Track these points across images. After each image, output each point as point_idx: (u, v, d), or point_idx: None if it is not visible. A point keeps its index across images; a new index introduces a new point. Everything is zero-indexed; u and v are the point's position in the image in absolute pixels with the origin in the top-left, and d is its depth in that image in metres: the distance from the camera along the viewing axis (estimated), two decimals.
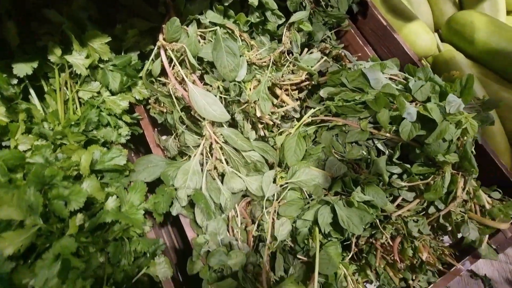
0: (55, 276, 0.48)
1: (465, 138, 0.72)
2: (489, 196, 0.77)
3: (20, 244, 0.44)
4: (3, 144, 0.61)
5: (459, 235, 0.75)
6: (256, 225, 0.74)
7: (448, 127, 0.70)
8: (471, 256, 0.75)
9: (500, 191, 0.77)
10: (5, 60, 0.60)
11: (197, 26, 0.71)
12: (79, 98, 0.68)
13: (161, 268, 0.61)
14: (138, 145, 0.85)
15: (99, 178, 0.61)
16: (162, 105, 0.76)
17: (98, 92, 0.69)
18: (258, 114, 0.72)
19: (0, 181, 0.50)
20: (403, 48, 0.98)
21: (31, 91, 0.65)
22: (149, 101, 0.78)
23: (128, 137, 0.73)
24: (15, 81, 0.61)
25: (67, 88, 0.67)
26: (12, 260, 0.47)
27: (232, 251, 0.65)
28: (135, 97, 0.74)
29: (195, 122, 0.75)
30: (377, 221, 0.71)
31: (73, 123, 0.64)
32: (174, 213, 0.66)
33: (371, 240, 0.72)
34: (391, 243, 0.69)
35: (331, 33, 0.99)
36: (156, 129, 0.80)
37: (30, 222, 0.47)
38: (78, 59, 0.62)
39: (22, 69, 0.59)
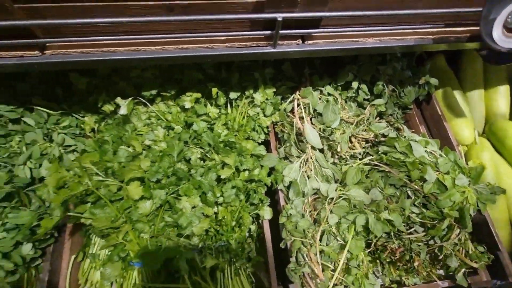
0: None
1: (466, 204, 1.13)
2: (475, 248, 1.15)
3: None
4: (210, 126, 1.24)
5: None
6: (316, 212, 1.24)
7: (455, 193, 1.12)
8: (450, 280, 1.13)
9: (485, 247, 1.14)
10: (224, 88, 1.23)
11: (319, 92, 1.27)
12: (248, 113, 1.29)
13: (266, 211, 1.16)
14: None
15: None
16: (284, 127, 1.33)
17: (258, 113, 1.28)
18: (338, 149, 1.24)
19: (217, 144, 1.11)
20: (448, 134, 1.40)
21: (228, 105, 1.27)
22: (277, 123, 1.35)
23: (263, 140, 1.31)
24: (224, 100, 1.24)
25: (243, 106, 1.28)
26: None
27: (303, 218, 1.16)
28: (272, 120, 1.31)
29: (299, 143, 1.30)
30: (392, 234, 1.15)
31: (242, 125, 1.24)
32: (278, 187, 1.21)
33: (385, 244, 1.16)
34: (396, 248, 1.12)
35: (399, 111, 1.46)
36: (276, 140, 1.37)
37: None
38: (258, 96, 1.22)
39: (233, 95, 1.21)
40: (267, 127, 1.33)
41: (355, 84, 1.29)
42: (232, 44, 0.91)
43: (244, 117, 1.28)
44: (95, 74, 1.15)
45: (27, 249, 0.95)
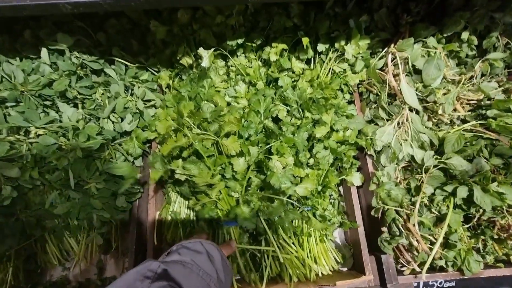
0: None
1: None
2: None
3: None
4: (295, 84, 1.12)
5: None
6: (406, 181, 1.12)
7: None
8: None
9: None
10: (310, 39, 1.09)
11: (421, 44, 1.09)
12: (333, 69, 1.15)
13: (356, 177, 1.06)
14: None
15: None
16: (372, 87, 1.18)
17: (344, 70, 1.14)
18: (440, 112, 1.08)
19: (305, 101, 1.00)
20: None
21: (312, 60, 1.14)
22: (363, 82, 1.20)
23: (347, 100, 1.18)
24: (312, 53, 1.11)
25: (328, 62, 1.14)
26: None
27: (397, 186, 1.05)
28: (359, 78, 1.17)
29: (389, 103, 1.16)
30: (504, 208, 1.01)
31: (327, 82, 1.12)
32: (369, 152, 1.10)
33: (492, 219, 1.03)
34: (510, 224, 0.99)
35: (505, 71, 1.24)
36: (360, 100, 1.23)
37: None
38: (350, 49, 1.08)
39: (321, 47, 1.07)
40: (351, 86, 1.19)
41: (465, 35, 1.09)
42: None
43: (328, 73, 1.15)
44: (174, 23, 1.06)
45: (121, 201, 0.95)
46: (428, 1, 1.15)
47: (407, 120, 1.10)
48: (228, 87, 1.12)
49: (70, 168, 0.84)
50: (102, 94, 1.04)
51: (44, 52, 0.95)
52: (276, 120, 1.08)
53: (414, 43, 1.10)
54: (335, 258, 1.10)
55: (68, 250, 1.07)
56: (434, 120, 1.14)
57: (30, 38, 1.00)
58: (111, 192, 0.92)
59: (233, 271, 1.01)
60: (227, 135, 0.87)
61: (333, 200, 1.17)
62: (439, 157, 1.11)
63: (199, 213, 0.96)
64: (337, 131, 1.00)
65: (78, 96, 0.99)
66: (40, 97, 0.97)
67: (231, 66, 1.11)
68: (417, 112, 1.14)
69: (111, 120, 1.04)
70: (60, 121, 0.95)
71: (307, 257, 1.02)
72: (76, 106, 1.03)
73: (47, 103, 0.98)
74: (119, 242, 1.10)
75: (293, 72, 1.11)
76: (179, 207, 1.10)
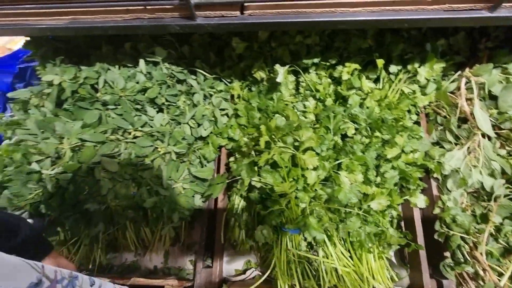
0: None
1: None
2: None
3: None
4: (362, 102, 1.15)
5: None
6: (471, 207, 1.10)
7: None
8: None
9: None
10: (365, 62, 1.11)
11: (500, 70, 1.07)
12: (401, 90, 1.16)
13: (420, 199, 1.07)
14: None
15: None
16: (440, 109, 1.18)
17: (414, 91, 1.15)
18: None
19: (375, 121, 1.03)
20: None
21: (381, 79, 1.16)
22: (430, 103, 1.20)
23: (413, 122, 1.19)
24: (384, 73, 1.13)
25: (397, 82, 1.16)
26: None
27: (464, 212, 1.04)
28: (429, 100, 1.17)
29: (458, 127, 1.14)
30: None
31: (395, 102, 1.13)
32: (435, 175, 1.10)
33: None
34: None
35: None
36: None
37: None
38: (423, 72, 1.09)
39: (393, 68, 1.09)
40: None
41: None
42: (441, 6, 0.79)
43: (396, 93, 1.17)
44: (254, 40, 1.15)
45: (199, 200, 1.04)
46: (509, 26, 1.12)
47: (478, 146, 1.08)
48: (297, 101, 1.18)
49: (164, 169, 0.95)
50: (184, 101, 1.15)
51: (142, 63, 1.08)
52: (341, 136, 1.12)
53: (494, 68, 1.09)
54: (390, 276, 1.11)
55: (143, 238, 1.19)
56: (507, 148, 1.11)
57: (130, 50, 1.13)
58: (193, 192, 1.02)
59: (293, 276, 1.06)
60: (305, 150, 0.92)
61: (391, 219, 1.18)
62: (510, 187, 1.08)
63: (266, 218, 1.03)
64: (406, 152, 1.02)
65: (165, 103, 1.11)
66: (134, 102, 1.10)
67: (302, 82, 1.17)
68: (489, 138, 1.12)
69: (189, 125, 1.15)
70: (150, 126, 1.07)
71: (365, 271, 1.04)
72: (161, 111, 1.15)
73: (138, 107, 1.11)
74: (186, 237, 1.21)
75: (361, 91, 1.14)
76: (241, 210, 1.18)
